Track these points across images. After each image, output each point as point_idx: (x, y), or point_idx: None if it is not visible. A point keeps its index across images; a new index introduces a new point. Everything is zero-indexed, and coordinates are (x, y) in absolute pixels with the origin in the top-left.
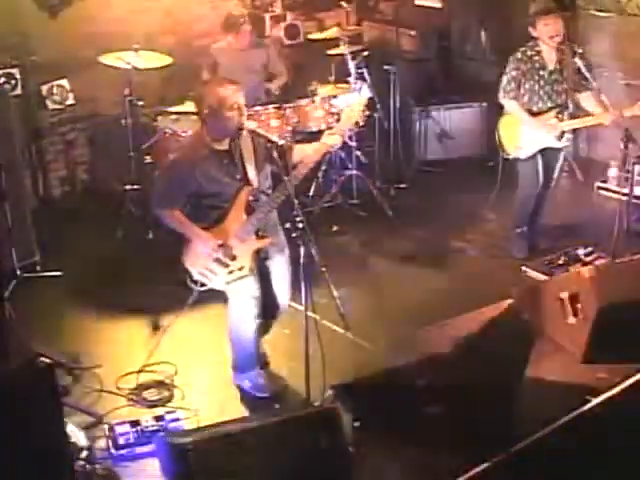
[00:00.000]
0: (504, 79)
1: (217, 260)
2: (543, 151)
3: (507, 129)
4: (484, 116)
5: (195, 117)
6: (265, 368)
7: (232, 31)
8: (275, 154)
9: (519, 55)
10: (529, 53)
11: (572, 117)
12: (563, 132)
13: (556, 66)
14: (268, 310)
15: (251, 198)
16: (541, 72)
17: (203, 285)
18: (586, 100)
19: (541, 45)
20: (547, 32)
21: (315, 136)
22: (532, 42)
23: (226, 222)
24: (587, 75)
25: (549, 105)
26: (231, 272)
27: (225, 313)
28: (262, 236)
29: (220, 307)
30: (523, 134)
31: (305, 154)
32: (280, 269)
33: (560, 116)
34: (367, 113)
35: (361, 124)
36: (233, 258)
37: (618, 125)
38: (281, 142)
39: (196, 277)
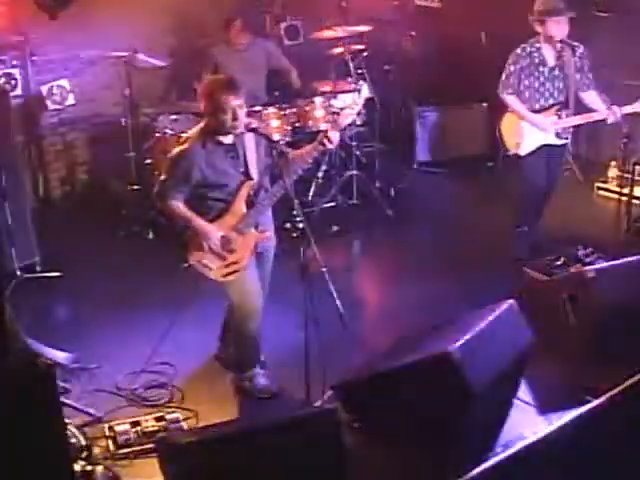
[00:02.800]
0: (503, 74)
1: (216, 253)
2: (545, 149)
3: (508, 126)
4: (484, 116)
5: (195, 117)
6: (264, 368)
7: (231, 31)
8: (275, 153)
9: (519, 51)
10: (529, 49)
11: (574, 114)
12: (563, 129)
13: (556, 62)
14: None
15: (251, 192)
16: (541, 68)
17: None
18: (589, 98)
19: (542, 42)
20: (553, 32)
21: (315, 136)
22: (533, 39)
23: (227, 215)
24: (588, 73)
25: (550, 102)
26: (227, 265)
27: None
28: (262, 230)
29: (219, 306)
30: (523, 131)
31: (303, 158)
32: (268, 263)
33: (560, 113)
34: (364, 112)
35: (359, 123)
36: (231, 251)
37: (619, 122)
38: (282, 142)
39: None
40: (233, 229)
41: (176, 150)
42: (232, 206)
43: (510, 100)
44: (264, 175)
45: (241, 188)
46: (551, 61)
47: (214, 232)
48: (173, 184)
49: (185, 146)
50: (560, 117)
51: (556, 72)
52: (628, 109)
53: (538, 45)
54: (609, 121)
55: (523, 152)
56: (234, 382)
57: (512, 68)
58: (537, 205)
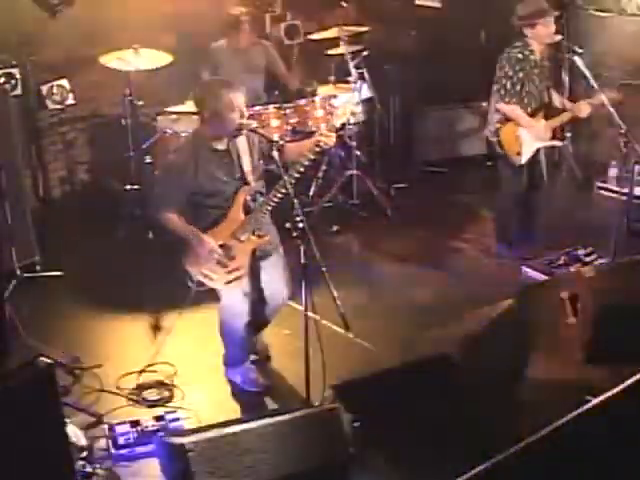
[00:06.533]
0: (507, 82)
1: (218, 261)
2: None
3: (508, 135)
4: (484, 116)
5: (195, 117)
6: (266, 362)
7: (231, 30)
8: (275, 153)
9: (520, 56)
10: (525, 53)
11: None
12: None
13: (542, 64)
14: (263, 307)
15: (248, 197)
16: (536, 71)
17: (202, 285)
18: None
19: (533, 44)
20: (544, 33)
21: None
22: (523, 42)
23: (225, 222)
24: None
25: (539, 104)
26: (230, 272)
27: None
28: (259, 235)
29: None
30: (521, 139)
31: (299, 152)
32: (276, 267)
33: (547, 115)
34: (359, 110)
35: (353, 121)
36: (232, 258)
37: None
38: (281, 142)
39: (196, 278)
40: (232, 236)
41: (169, 161)
42: (230, 213)
43: (510, 109)
44: (260, 179)
45: (238, 194)
46: (539, 63)
47: (212, 243)
48: (168, 196)
49: (179, 157)
50: (547, 119)
51: (545, 73)
52: (593, 101)
53: (531, 48)
54: (584, 115)
55: (524, 160)
56: (226, 377)
57: (520, 75)
58: (530, 206)
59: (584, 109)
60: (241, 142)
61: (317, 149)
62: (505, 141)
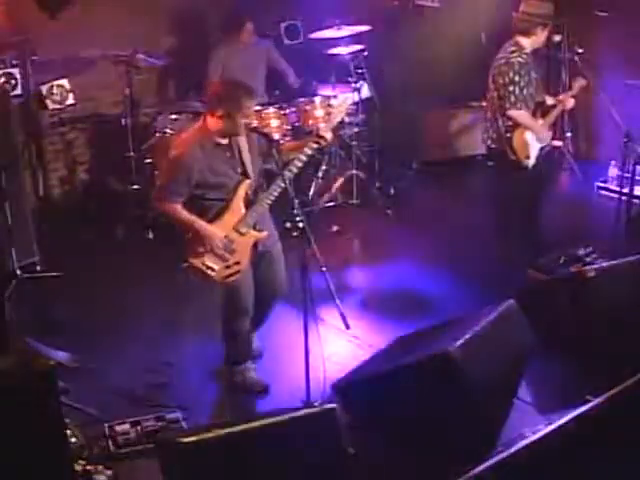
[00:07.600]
0: (515, 89)
1: (218, 254)
2: None
3: (518, 141)
4: (484, 116)
5: (191, 115)
6: (257, 360)
7: (234, 30)
8: (274, 151)
9: (520, 60)
10: (523, 56)
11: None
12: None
13: (535, 63)
14: (263, 304)
15: (249, 192)
16: (533, 74)
17: (201, 283)
18: None
19: (527, 47)
20: (541, 39)
21: None
22: (517, 45)
23: (226, 216)
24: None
25: (536, 104)
26: (229, 266)
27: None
28: (259, 229)
29: (217, 304)
30: (529, 142)
31: (296, 148)
32: (275, 263)
33: (542, 113)
34: (356, 108)
35: (351, 120)
36: (232, 252)
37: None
38: (281, 141)
39: (196, 276)
40: (233, 229)
41: (175, 153)
42: (231, 206)
43: (520, 114)
44: (258, 175)
45: (239, 187)
46: (533, 64)
47: (217, 234)
48: (173, 188)
49: (184, 149)
50: (543, 117)
51: (538, 72)
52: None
53: (526, 51)
54: (568, 107)
55: (531, 164)
56: (226, 377)
57: (525, 79)
58: (526, 204)
59: (568, 102)
60: (241, 138)
61: (315, 145)
62: (517, 147)
